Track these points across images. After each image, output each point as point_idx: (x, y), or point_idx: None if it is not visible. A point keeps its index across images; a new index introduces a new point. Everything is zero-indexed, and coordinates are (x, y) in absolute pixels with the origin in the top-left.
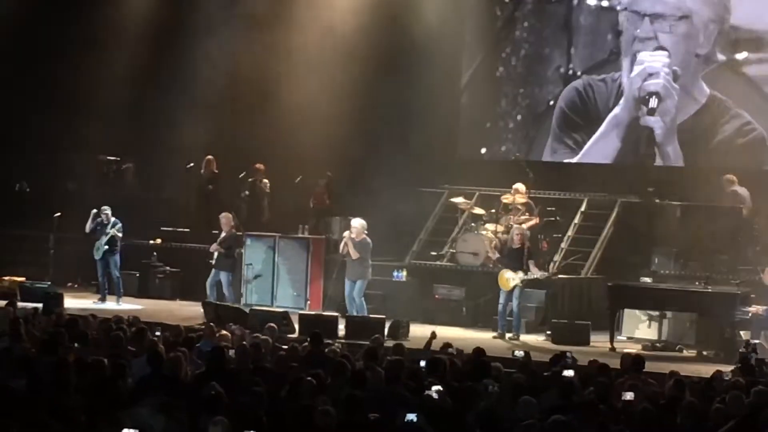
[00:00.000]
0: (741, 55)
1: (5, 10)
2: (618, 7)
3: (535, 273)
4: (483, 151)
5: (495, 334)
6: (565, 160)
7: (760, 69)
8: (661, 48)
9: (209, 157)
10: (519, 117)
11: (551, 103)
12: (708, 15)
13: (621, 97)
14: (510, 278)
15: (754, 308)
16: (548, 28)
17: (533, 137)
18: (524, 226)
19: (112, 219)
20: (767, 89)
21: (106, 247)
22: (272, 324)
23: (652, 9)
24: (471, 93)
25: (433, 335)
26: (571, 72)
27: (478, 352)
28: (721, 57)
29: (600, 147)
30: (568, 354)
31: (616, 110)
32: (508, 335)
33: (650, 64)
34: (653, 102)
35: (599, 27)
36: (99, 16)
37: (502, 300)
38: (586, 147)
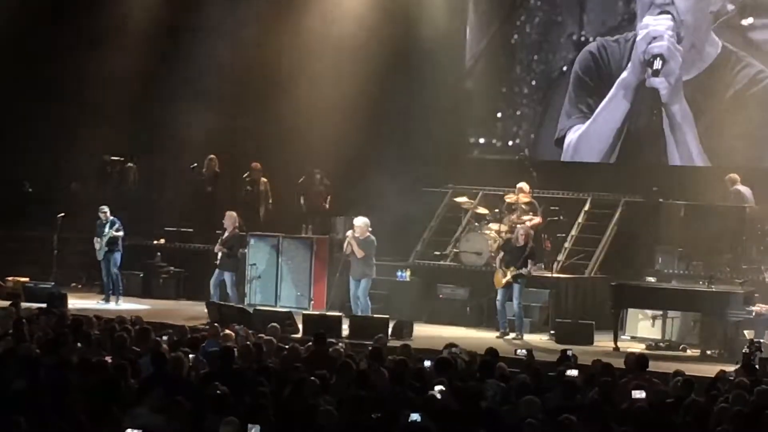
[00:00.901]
0: (746, 21)
1: (6, 10)
2: None
3: (527, 269)
4: (493, 141)
5: (497, 333)
6: (572, 131)
7: (765, 34)
8: (665, 12)
9: (211, 156)
10: (533, 83)
11: (564, 68)
12: None
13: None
14: (502, 274)
15: (758, 307)
16: None
17: (548, 103)
18: (528, 224)
19: (111, 218)
20: None
21: (107, 247)
22: (275, 324)
23: None
24: (483, 66)
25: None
26: (583, 38)
27: (492, 352)
28: (731, 7)
29: (610, 110)
30: (569, 352)
31: (624, 74)
32: (511, 335)
33: (654, 28)
34: (657, 64)
35: None
36: (101, 15)
37: (499, 297)
38: (597, 111)
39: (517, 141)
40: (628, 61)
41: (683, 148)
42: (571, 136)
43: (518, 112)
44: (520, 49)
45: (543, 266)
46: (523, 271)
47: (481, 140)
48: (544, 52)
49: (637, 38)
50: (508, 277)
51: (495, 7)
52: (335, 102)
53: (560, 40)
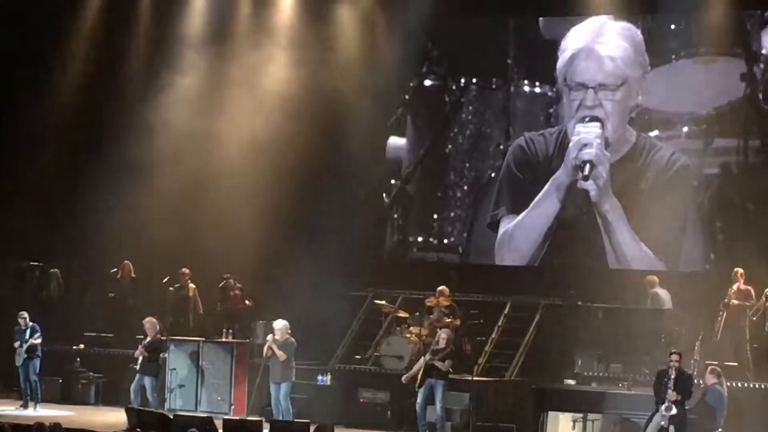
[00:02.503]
0: (653, 133)
1: None
2: (557, 87)
3: (438, 364)
4: (430, 239)
5: None
6: (505, 221)
7: (669, 144)
8: (595, 119)
9: (126, 262)
10: (465, 188)
11: (492, 175)
12: (639, 73)
13: (559, 147)
14: (417, 372)
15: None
16: (489, 111)
17: (478, 206)
18: (448, 325)
19: (31, 324)
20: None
21: (26, 354)
22: (195, 429)
23: (595, 79)
24: (421, 173)
25: None
26: (511, 146)
27: None
28: (640, 98)
29: (544, 205)
30: None
31: (557, 174)
32: None
33: (585, 136)
34: (587, 169)
35: (533, 109)
36: (24, 119)
37: (419, 400)
38: (532, 204)
39: (452, 239)
40: (555, 150)
41: (617, 243)
42: (507, 225)
43: (452, 214)
44: (453, 158)
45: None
46: (438, 365)
47: (420, 239)
48: (474, 160)
49: (570, 144)
50: (421, 362)
51: (431, 120)
52: (254, 205)
53: (489, 149)
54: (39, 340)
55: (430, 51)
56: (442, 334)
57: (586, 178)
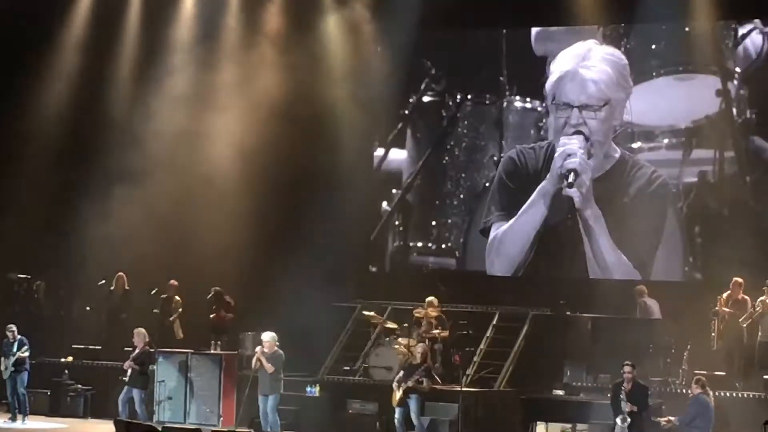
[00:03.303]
0: (636, 145)
1: None
2: (546, 104)
3: (410, 383)
4: (429, 244)
5: None
6: (496, 227)
7: (650, 155)
8: (578, 132)
9: (120, 273)
10: (462, 196)
11: (487, 184)
12: (622, 96)
13: (547, 159)
14: (395, 392)
15: (665, 419)
16: (483, 125)
17: (473, 214)
18: (436, 336)
19: (19, 337)
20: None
21: (13, 368)
22: None
23: (579, 99)
24: (420, 183)
25: None
26: (504, 157)
27: None
28: (626, 117)
29: (532, 212)
30: None
31: (543, 183)
32: None
33: (569, 147)
34: (571, 177)
35: (524, 123)
36: (9, 129)
37: (397, 416)
38: (520, 211)
39: (450, 244)
40: (543, 163)
41: (597, 250)
42: (497, 230)
43: (449, 221)
44: (450, 168)
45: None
46: (412, 384)
47: (419, 243)
48: (469, 171)
49: (555, 155)
50: (400, 393)
51: (429, 133)
52: (243, 216)
53: (483, 160)
54: (27, 353)
55: (428, 70)
56: (419, 349)
57: (570, 186)
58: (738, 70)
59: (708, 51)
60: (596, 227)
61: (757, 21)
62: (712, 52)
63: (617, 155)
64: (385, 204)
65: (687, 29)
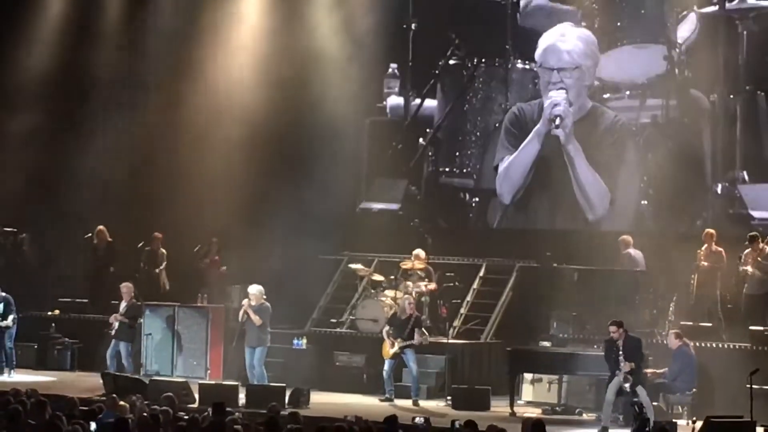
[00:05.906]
0: (606, 96)
1: None
2: (535, 68)
3: (415, 340)
4: (454, 170)
5: (382, 398)
6: (503, 161)
7: (616, 103)
8: (562, 87)
9: (100, 227)
10: (478, 133)
11: (497, 125)
12: (590, 63)
13: (539, 112)
14: (390, 345)
15: (650, 371)
16: (494, 81)
17: (486, 148)
18: (423, 289)
19: (3, 295)
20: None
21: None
22: (170, 394)
23: (557, 64)
24: (447, 124)
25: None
26: (508, 106)
27: (390, 420)
28: (596, 83)
29: (528, 148)
30: (456, 424)
31: (537, 126)
32: (404, 400)
33: (555, 98)
34: (558, 121)
35: (524, 80)
36: None
37: (386, 368)
38: (519, 148)
39: (469, 169)
40: (539, 117)
41: (577, 174)
42: (503, 165)
43: (469, 152)
44: (469, 113)
45: (427, 334)
46: (414, 341)
47: (447, 169)
48: (483, 115)
49: (545, 104)
50: (396, 349)
51: (453, 88)
52: (230, 169)
53: (494, 107)
54: (12, 315)
55: (453, 40)
56: (406, 302)
57: (557, 127)
58: (680, 41)
59: (658, 27)
60: (576, 157)
61: (694, 6)
62: (661, 28)
63: (590, 106)
64: (421, 140)
65: (643, 11)
